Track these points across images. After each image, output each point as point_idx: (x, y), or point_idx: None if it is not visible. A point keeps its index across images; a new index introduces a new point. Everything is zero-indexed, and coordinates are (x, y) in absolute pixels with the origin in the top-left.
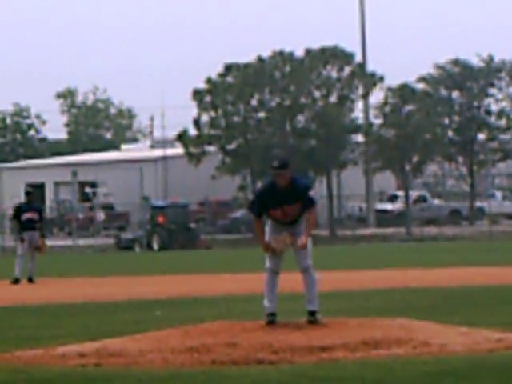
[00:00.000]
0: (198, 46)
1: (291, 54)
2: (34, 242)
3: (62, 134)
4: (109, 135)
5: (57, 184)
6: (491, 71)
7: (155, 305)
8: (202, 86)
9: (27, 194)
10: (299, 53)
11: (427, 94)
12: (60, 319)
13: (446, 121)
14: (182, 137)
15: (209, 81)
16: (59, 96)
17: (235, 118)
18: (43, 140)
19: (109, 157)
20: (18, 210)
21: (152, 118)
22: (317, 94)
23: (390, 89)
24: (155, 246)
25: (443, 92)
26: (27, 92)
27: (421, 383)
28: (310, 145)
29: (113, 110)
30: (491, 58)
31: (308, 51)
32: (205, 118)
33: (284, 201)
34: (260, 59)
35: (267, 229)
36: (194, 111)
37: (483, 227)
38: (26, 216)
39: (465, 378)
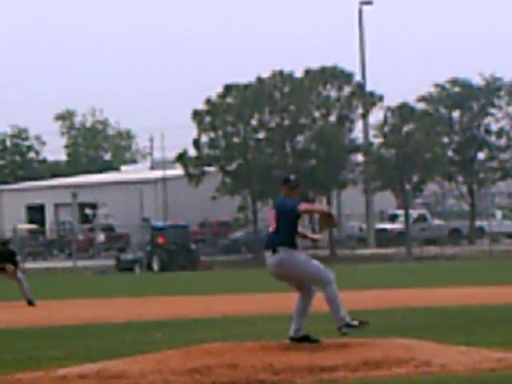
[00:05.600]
0: (197, 67)
1: (291, 74)
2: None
3: (61, 156)
4: (108, 156)
5: (57, 205)
6: (491, 90)
7: (155, 326)
8: (202, 106)
9: (2, 243)
10: (298, 73)
11: (427, 114)
12: (60, 341)
13: (446, 140)
14: (181, 158)
15: (208, 101)
16: (58, 118)
17: (235, 139)
18: (43, 162)
19: (108, 178)
20: None
21: (152, 139)
22: (316, 113)
23: (389, 108)
24: (155, 267)
25: (443, 111)
26: (26, 114)
27: None
28: (310, 165)
29: (111, 132)
30: (495, 78)
31: (307, 71)
32: (204, 138)
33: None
34: (259, 79)
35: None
36: (193, 132)
37: (483, 246)
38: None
39: None
